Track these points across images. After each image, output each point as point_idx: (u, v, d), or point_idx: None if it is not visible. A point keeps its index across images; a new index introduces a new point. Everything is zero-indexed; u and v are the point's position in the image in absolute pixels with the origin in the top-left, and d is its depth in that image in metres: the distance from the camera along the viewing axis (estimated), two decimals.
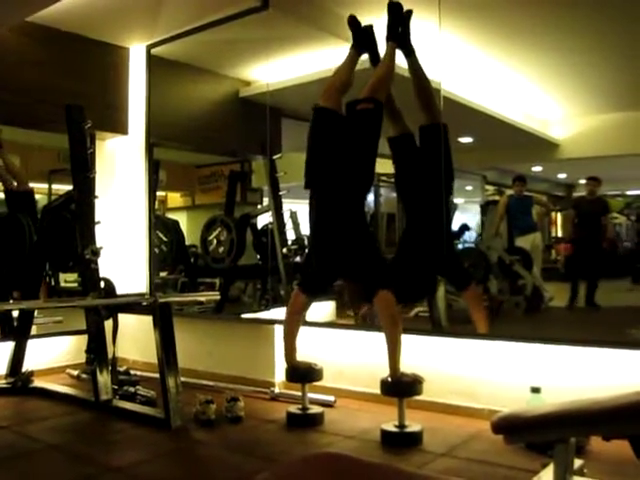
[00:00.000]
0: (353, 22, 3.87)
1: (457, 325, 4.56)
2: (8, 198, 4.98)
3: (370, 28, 3.89)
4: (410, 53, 3.92)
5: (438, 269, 4.17)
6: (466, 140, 5.32)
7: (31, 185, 5.07)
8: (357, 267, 3.54)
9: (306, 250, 5.43)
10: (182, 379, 3.80)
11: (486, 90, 4.96)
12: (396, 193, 4.37)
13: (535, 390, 3.19)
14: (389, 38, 3.81)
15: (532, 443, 2.91)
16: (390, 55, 3.78)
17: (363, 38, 3.86)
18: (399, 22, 3.84)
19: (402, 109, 4.01)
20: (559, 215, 5.71)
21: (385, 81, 3.73)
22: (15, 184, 4.97)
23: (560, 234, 5.74)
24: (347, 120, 3.68)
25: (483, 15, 4.18)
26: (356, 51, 3.84)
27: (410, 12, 3.85)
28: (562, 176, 5.69)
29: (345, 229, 3.52)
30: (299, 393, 3.86)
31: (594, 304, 4.79)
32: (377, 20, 3.84)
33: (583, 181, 5.14)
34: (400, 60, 3.87)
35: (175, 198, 6.75)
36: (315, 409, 3.81)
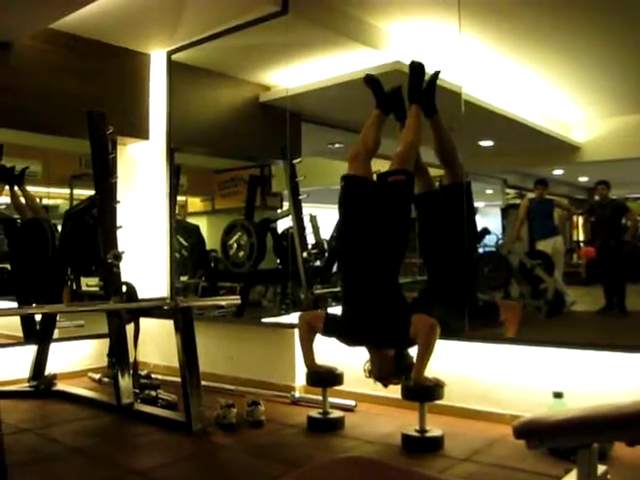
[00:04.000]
0: (371, 82, 3.74)
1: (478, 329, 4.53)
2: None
3: (398, 90, 3.75)
4: (432, 113, 3.75)
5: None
6: (487, 143, 5.30)
7: (53, 190, 5.13)
8: (388, 336, 3.49)
9: (326, 254, 5.44)
10: (203, 383, 3.81)
11: (507, 93, 4.93)
12: (419, 250, 4.31)
13: (558, 395, 3.17)
14: (412, 99, 3.68)
15: (555, 448, 2.89)
16: (416, 119, 3.63)
17: (388, 100, 3.73)
18: (421, 81, 3.71)
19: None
20: (580, 218, 5.67)
21: (414, 148, 3.60)
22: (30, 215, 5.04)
23: (582, 238, 5.69)
24: (378, 190, 3.57)
25: (503, 18, 4.15)
26: (382, 112, 3.71)
27: (438, 72, 3.72)
28: (583, 179, 5.65)
29: (378, 303, 3.48)
30: (320, 397, 3.87)
31: (624, 309, 4.74)
32: (396, 25, 3.81)
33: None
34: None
35: (195, 203, 6.77)
36: (336, 413, 3.81)
